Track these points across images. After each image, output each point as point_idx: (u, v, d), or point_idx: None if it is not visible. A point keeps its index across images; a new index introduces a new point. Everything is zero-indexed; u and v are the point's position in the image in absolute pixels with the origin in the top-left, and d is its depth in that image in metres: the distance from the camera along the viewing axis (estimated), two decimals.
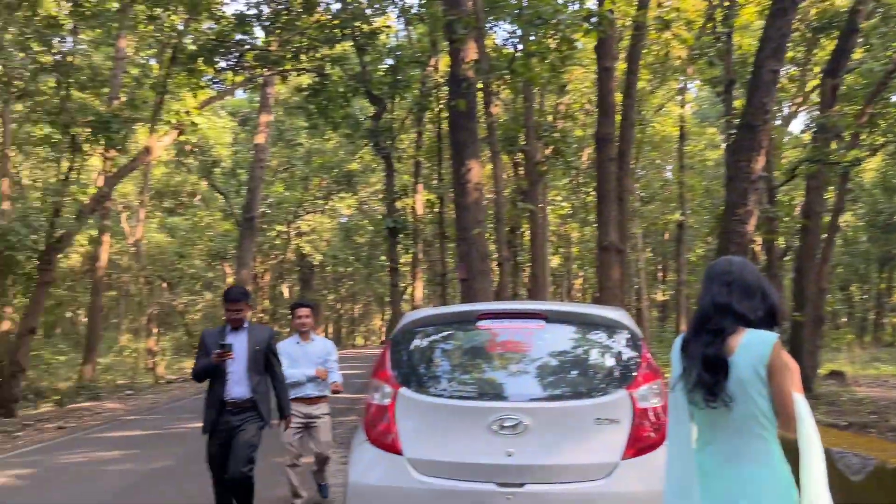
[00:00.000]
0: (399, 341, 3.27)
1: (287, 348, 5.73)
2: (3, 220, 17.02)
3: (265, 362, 4.68)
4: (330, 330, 61.35)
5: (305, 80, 21.72)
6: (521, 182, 18.38)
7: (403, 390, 3.06)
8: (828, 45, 18.69)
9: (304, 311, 5.94)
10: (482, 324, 3.20)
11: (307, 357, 5.80)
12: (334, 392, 5.97)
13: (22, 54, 15.64)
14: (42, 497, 6.68)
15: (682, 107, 23.53)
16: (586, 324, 3.23)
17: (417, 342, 3.21)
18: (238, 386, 4.52)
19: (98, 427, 12.34)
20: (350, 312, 67.59)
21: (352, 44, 17.31)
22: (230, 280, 33.20)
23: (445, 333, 3.21)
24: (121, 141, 17.10)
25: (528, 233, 20.89)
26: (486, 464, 2.88)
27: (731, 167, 10.44)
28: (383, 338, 66.99)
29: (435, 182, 24.22)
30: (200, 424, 4.76)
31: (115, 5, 18.01)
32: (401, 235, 13.56)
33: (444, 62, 20.28)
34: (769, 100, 10.00)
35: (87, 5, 17.16)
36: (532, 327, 3.18)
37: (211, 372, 4.55)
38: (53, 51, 16.84)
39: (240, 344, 4.56)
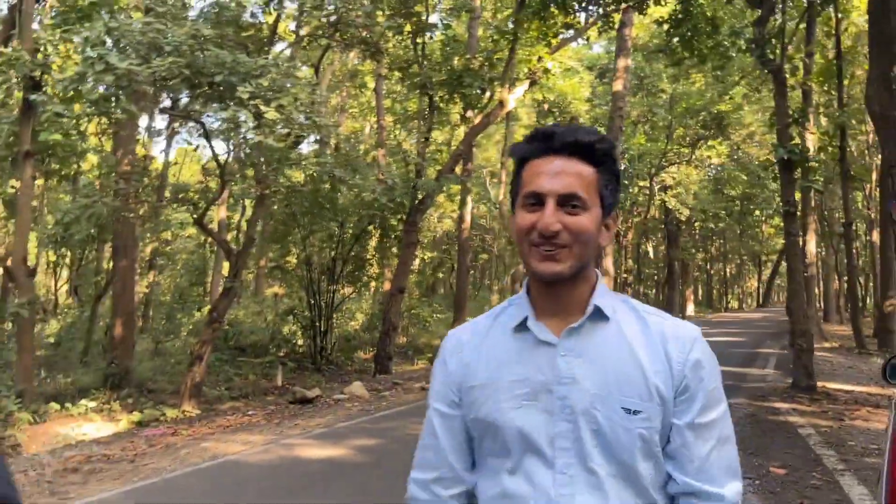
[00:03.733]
0: None
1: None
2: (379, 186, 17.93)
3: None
4: (700, 293, 57.27)
5: (666, 11, 19.35)
6: None
7: None
8: None
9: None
10: None
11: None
12: None
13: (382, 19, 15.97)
14: (368, 478, 5.86)
15: None
16: None
17: None
18: None
19: None
20: (721, 273, 62.39)
21: None
22: None
23: None
24: (476, 98, 16.72)
25: None
26: None
27: None
28: (760, 300, 59.90)
29: (829, 111, 19.82)
30: None
31: None
32: (798, 170, 10.57)
33: None
34: None
35: None
36: None
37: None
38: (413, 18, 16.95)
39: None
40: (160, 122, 22.84)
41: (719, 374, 1.27)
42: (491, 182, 33.50)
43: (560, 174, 1.21)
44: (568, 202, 1.20)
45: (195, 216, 10.81)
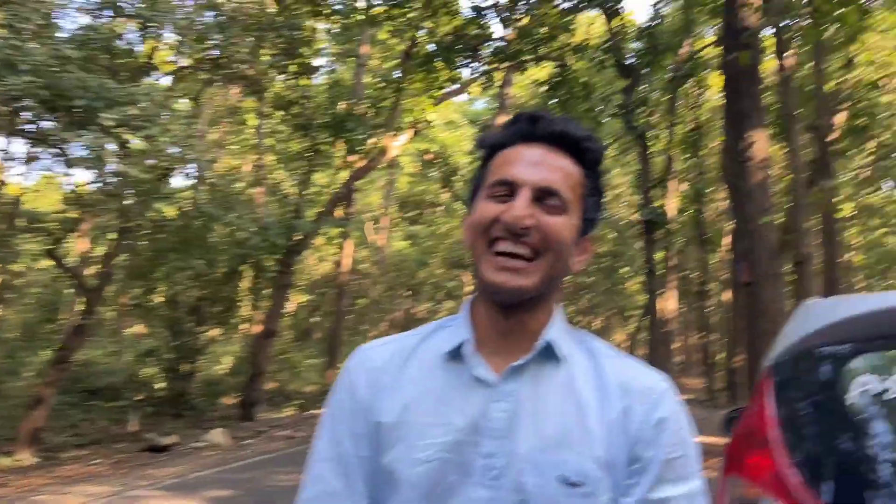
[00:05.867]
0: (800, 382, 1.21)
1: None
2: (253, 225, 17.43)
3: None
4: None
5: (544, 73, 20.29)
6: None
7: None
8: None
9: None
10: None
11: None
12: None
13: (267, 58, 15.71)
14: None
15: None
16: None
17: (867, 384, 1.11)
18: None
19: None
20: (590, 325, 64.85)
21: (598, 12, 15.30)
22: (468, 288, 32.69)
23: None
24: (358, 143, 16.69)
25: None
26: None
27: None
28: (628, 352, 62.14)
29: (689, 177, 21.32)
30: None
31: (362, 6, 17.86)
32: (658, 232, 11.23)
33: (700, 43, 17.53)
34: None
35: (335, 19, 17.33)
36: None
37: None
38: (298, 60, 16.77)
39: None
40: (20, 145, 21.32)
41: (690, 439, 0.98)
42: (373, 228, 33.42)
43: (541, 164, 0.99)
44: (546, 198, 0.98)
45: (49, 247, 10.04)
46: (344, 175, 19.60)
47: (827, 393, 1.17)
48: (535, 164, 0.98)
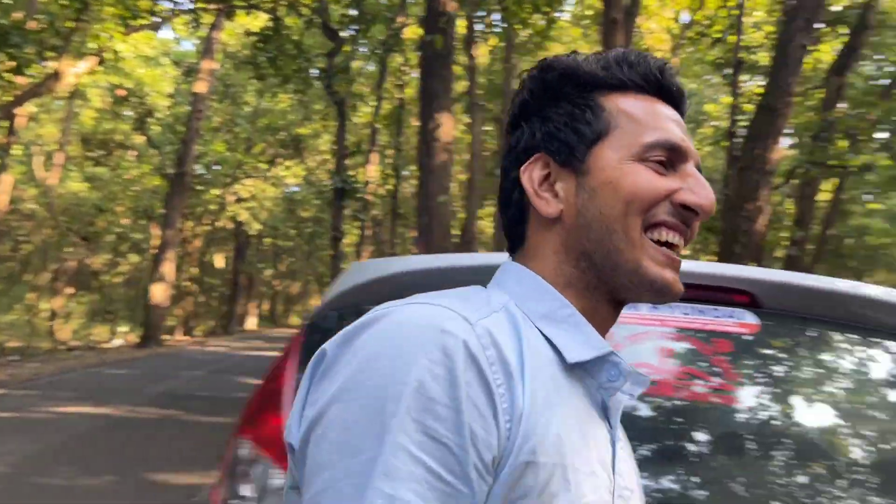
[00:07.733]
0: (322, 341, 1.10)
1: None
2: None
3: None
4: (265, 307, 58.37)
5: (256, 24, 19.44)
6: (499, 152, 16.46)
7: None
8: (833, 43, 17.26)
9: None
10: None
11: None
12: None
13: None
14: None
15: None
16: (863, 323, 1.17)
17: None
18: None
19: None
20: (287, 290, 64.63)
21: None
22: (156, 242, 30.42)
23: None
24: (28, 63, 14.39)
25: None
26: None
27: (744, 156, 8.98)
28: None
29: (390, 153, 22.07)
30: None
31: None
32: (349, 200, 11.39)
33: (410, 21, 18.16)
34: (794, 80, 8.72)
35: None
36: (734, 329, 1.08)
37: None
38: None
39: None
40: None
41: None
42: (44, 163, 29.35)
43: (684, 130, 0.73)
44: None
45: None
46: (7, 98, 16.83)
47: None
48: (682, 129, 0.73)
